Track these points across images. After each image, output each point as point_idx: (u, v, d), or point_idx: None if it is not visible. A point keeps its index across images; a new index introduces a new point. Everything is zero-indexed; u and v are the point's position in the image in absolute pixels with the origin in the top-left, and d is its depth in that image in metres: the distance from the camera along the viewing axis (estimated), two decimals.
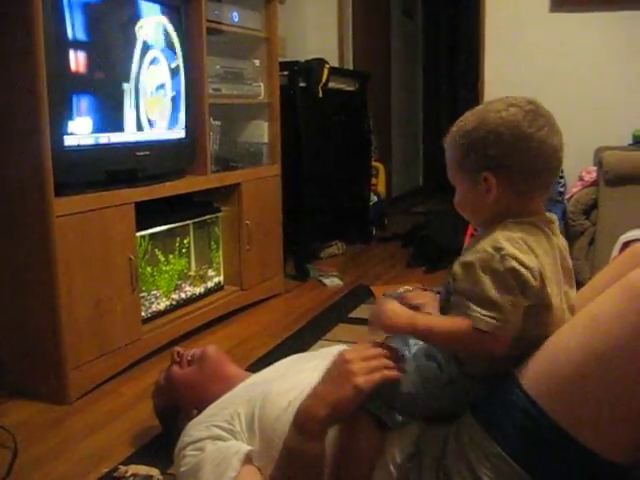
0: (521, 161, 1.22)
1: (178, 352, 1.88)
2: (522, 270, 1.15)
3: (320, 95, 3.93)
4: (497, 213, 1.25)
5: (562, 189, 3.76)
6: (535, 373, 1.18)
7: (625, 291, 1.13)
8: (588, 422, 1.13)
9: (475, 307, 1.16)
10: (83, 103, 2.30)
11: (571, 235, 3.61)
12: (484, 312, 1.15)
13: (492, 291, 1.15)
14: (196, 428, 1.54)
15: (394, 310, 1.27)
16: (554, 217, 1.31)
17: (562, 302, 1.25)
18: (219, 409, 1.57)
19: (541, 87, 4.06)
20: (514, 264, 1.15)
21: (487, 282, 1.16)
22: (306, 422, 1.28)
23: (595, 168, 3.58)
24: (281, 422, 1.41)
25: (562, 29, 4.03)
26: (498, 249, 1.17)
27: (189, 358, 1.83)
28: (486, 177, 1.23)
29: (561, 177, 3.76)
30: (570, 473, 1.15)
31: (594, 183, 3.54)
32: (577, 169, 3.75)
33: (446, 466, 1.24)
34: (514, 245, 1.17)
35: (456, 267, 1.22)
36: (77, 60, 2.26)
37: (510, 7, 4.12)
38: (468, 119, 1.29)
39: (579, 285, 1.50)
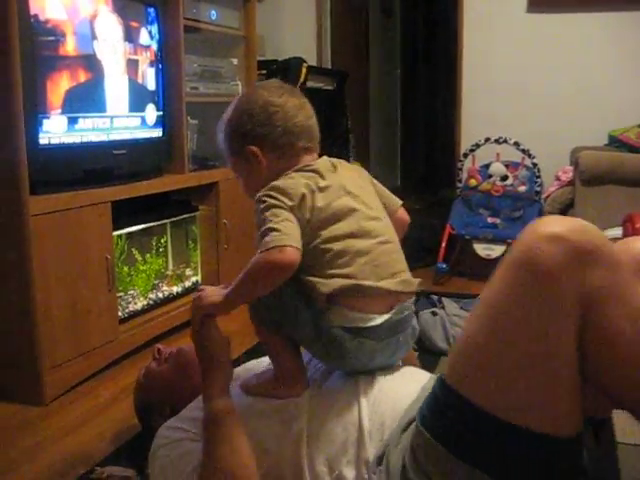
0: (273, 125, 1.45)
1: (158, 349, 1.88)
2: (281, 192, 1.38)
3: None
4: (276, 177, 1.44)
5: (539, 188, 3.80)
6: (451, 364, 1.20)
7: (510, 268, 1.14)
8: (516, 402, 1.11)
9: (263, 240, 1.32)
10: (58, 101, 2.28)
11: None
12: (267, 238, 1.32)
13: (269, 223, 1.34)
14: (170, 429, 1.53)
15: (209, 291, 1.45)
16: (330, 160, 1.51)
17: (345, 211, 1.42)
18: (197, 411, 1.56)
19: (518, 87, 4.09)
20: (274, 190, 1.39)
21: (264, 215, 1.36)
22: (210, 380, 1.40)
23: (571, 168, 3.61)
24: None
25: (539, 29, 4.05)
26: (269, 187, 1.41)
27: (166, 356, 1.83)
28: (252, 150, 1.46)
29: (538, 176, 3.80)
30: (526, 462, 1.13)
31: (570, 183, 3.57)
32: (554, 169, 3.78)
33: None
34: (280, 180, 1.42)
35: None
36: (52, 58, 2.24)
37: (487, 6, 4.14)
38: (227, 111, 1.53)
39: None
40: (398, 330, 1.45)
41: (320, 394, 1.45)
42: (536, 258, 1.08)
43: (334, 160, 1.52)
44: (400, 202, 1.66)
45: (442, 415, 1.17)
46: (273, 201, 1.37)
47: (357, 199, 1.45)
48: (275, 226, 1.32)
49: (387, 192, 1.62)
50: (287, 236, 1.31)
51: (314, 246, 1.38)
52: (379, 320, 1.40)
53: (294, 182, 1.41)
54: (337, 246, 1.38)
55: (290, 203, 1.37)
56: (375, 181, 1.60)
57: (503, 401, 1.12)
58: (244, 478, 1.32)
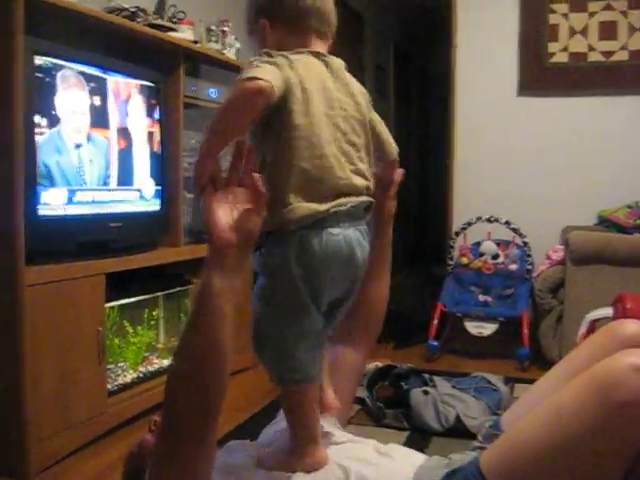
0: (287, 4, 1.43)
1: (155, 420, 1.85)
2: (278, 55, 1.34)
3: None
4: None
5: (530, 267, 3.83)
6: (496, 461, 1.19)
7: (586, 386, 1.14)
8: None
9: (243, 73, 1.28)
10: (58, 174, 2.31)
11: (539, 313, 3.66)
12: (242, 74, 1.28)
13: (253, 62, 1.30)
14: None
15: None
16: (333, 58, 1.47)
17: (328, 129, 1.36)
18: None
19: (509, 167, 4.17)
20: (272, 52, 1.35)
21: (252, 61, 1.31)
22: (220, 251, 1.27)
23: (562, 247, 3.65)
24: None
25: (529, 112, 4.16)
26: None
27: None
28: (261, 23, 1.44)
29: (529, 255, 3.84)
30: None
31: (561, 262, 3.61)
32: (545, 247, 3.83)
33: None
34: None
35: None
36: (54, 133, 2.28)
37: (479, 89, 4.25)
38: None
39: (549, 365, 1.52)
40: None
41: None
42: (618, 386, 1.09)
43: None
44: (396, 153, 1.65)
45: None
46: (265, 58, 1.34)
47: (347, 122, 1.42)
48: (259, 65, 1.30)
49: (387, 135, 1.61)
50: (264, 72, 1.28)
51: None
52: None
53: (302, 58, 1.39)
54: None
55: (287, 70, 1.33)
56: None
57: None
58: (219, 355, 1.28)
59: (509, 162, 4.17)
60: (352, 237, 1.39)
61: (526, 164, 4.13)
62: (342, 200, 1.37)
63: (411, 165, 7.99)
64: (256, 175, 1.29)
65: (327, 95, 1.38)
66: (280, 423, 1.62)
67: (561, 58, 4.06)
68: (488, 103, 4.24)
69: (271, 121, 1.33)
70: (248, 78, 1.25)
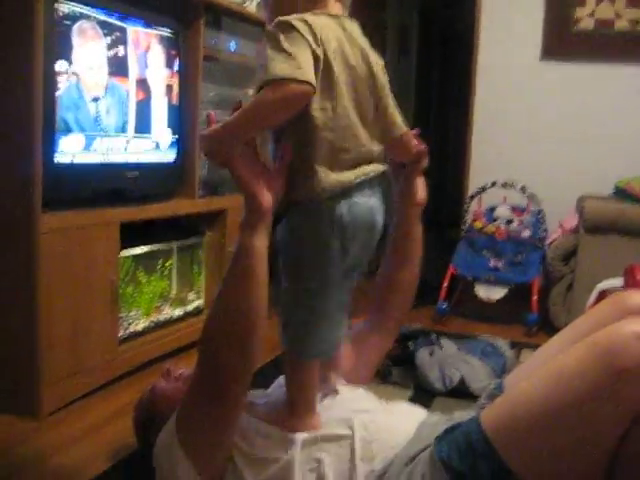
0: None
1: (168, 369, 1.90)
2: (299, 23, 1.29)
3: None
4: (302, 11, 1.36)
5: (543, 234, 3.83)
6: (495, 418, 1.22)
7: (589, 350, 1.16)
8: (541, 475, 1.16)
9: (270, 66, 1.26)
10: (75, 121, 2.32)
11: (549, 280, 3.67)
12: (278, 65, 1.25)
13: (282, 43, 1.27)
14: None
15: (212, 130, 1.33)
16: (347, 18, 1.44)
17: (349, 96, 1.36)
18: None
19: (528, 133, 4.14)
20: (293, 20, 1.30)
21: (278, 38, 1.28)
22: (261, 214, 1.35)
23: (577, 216, 3.64)
24: None
25: (551, 77, 4.11)
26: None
27: (176, 375, 1.85)
28: None
29: (542, 222, 3.83)
30: None
31: (575, 230, 3.60)
32: (559, 216, 3.82)
33: None
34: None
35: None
36: (72, 81, 2.29)
37: (501, 53, 4.20)
38: None
39: (556, 331, 1.54)
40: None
41: None
42: (620, 352, 1.11)
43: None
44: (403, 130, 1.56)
45: (472, 463, 1.20)
46: (294, 32, 1.30)
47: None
48: (291, 52, 1.27)
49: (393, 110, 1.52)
50: (304, 70, 1.26)
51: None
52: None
53: (319, 20, 1.34)
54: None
55: (314, 45, 1.30)
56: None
57: (538, 474, 1.16)
58: (257, 312, 1.35)
59: (528, 127, 4.14)
60: (374, 205, 1.43)
61: (545, 130, 4.10)
62: (365, 169, 1.40)
63: (430, 129, 7.94)
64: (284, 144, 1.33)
65: (346, 62, 1.37)
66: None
67: (587, 24, 4.00)
68: (510, 66, 4.19)
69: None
70: (292, 79, 1.24)
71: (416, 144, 1.67)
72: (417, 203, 1.77)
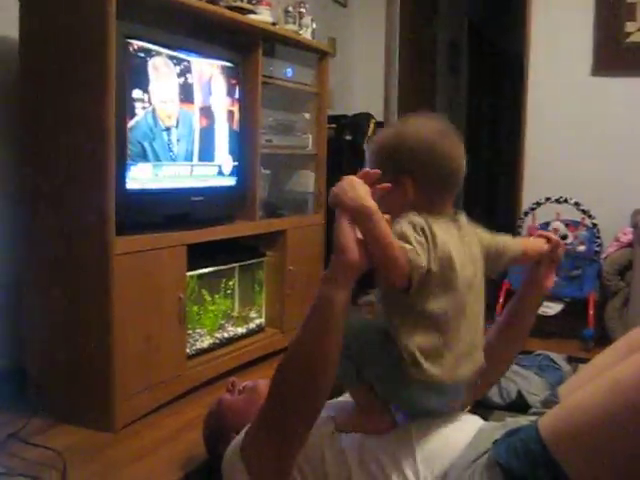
0: (432, 169, 1.44)
1: (233, 382, 1.99)
2: (416, 236, 1.37)
3: (365, 148, 4.08)
4: (421, 210, 1.43)
5: (598, 249, 3.83)
6: (553, 424, 1.26)
7: None
8: None
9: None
10: (145, 151, 2.45)
11: (605, 295, 3.66)
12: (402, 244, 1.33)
13: (407, 230, 1.36)
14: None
15: (356, 184, 1.36)
16: (460, 214, 1.52)
17: (465, 283, 1.43)
18: None
19: (580, 148, 4.15)
20: (411, 232, 1.37)
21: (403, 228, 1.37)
22: (350, 270, 1.35)
23: (631, 229, 3.64)
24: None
25: (603, 92, 4.12)
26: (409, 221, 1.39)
27: (241, 388, 1.94)
28: (404, 181, 1.44)
29: (597, 237, 3.83)
30: None
31: (630, 244, 3.60)
32: (613, 230, 3.81)
33: None
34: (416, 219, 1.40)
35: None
36: (141, 112, 2.41)
37: (552, 68, 4.23)
38: (388, 133, 1.55)
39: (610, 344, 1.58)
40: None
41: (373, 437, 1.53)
42: None
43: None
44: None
45: (530, 468, 1.24)
46: (417, 236, 1.37)
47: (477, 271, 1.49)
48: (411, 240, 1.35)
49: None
50: (422, 257, 1.34)
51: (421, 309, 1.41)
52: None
53: (442, 225, 1.43)
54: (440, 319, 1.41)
55: (427, 256, 1.37)
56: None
57: None
58: (331, 362, 1.38)
59: (580, 143, 4.15)
60: None
61: (597, 145, 4.10)
62: (462, 371, 1.47)
63: (482, 145, 7.95)
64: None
65: (460, 262, 1.43)
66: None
67: (638, 38, 4.00)
68: (561, 82, 4.21)
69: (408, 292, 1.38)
70: (411, 262, 1.32)
71: (544, 242, 1.74)
72: (543, 292, 1.81)
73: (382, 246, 1.32)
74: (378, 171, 1.39)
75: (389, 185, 1.40)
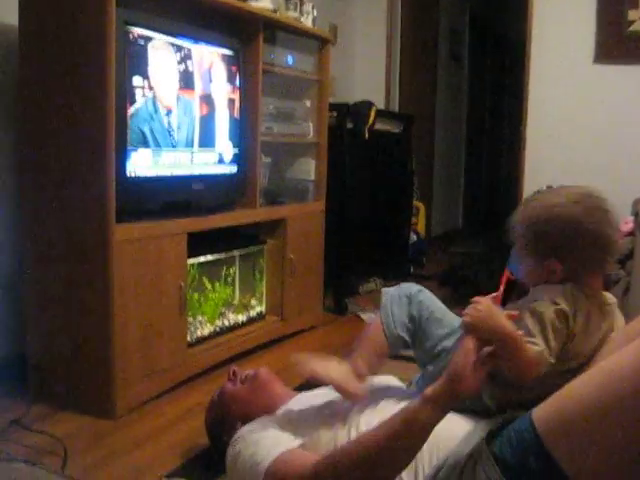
0: (581, 251, 1.42)
1: (234, 370, 2.00)
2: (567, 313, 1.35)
3: (366, 136, 4.07)
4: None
5: None
6: (547, 414, 1.26)
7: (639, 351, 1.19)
8: (588, 471, 1.20)
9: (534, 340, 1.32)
10: (145, 138, 2.45)
11: (606, 284, 3.65)
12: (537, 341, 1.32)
13: (547, 318, 1.34)
14: (250, 431, 1.67)
15: (493, 312, 1.35)
16: (611, 298, 1.49)
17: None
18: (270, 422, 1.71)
19: (581, 136, 4.15)
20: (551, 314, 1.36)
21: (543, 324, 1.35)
22: (457, 397, 1.31)
23: (632, 219, 3.63)
24: None
25: (605, 80, 4.11)
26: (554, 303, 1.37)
27: (243, 377, 1.95)
28: (550, 264, 1.43)
29: None
30: None
31: (631, 233, 3.59)
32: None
33: None
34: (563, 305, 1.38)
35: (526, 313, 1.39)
36: (141, 98, 2.41)
37: (554, 56, 4.22)
38: (536, 210, 1.51)
39: None
40: None
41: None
42: None
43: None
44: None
45: (523, 457, 1.25)
46: (549, 332, 1.35)
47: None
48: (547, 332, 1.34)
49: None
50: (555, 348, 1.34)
51: None
52: None
53: (585, 309, 1.41)
54: None
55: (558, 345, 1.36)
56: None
57: (585, 471, 1.20)
58: (399, 470, 1.39)
59: (581, 131, 4.15)
60: None
61: (599, 133, 4.10)
62: None
63: (483, 132, 7.94)
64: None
65: (583, 354, 1.41)
66: None
67: None
68: (563, 70, 4.21)
69: None
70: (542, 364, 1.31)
71: None
72: None
73: (518, 360, 1.31)
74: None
75: (516, 314, 1.37)
